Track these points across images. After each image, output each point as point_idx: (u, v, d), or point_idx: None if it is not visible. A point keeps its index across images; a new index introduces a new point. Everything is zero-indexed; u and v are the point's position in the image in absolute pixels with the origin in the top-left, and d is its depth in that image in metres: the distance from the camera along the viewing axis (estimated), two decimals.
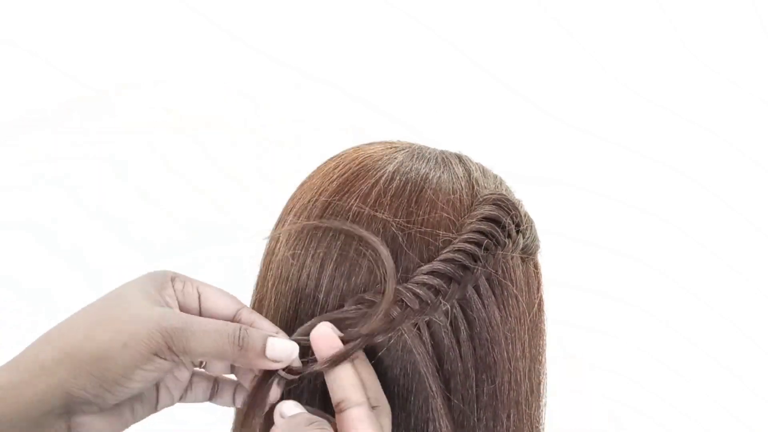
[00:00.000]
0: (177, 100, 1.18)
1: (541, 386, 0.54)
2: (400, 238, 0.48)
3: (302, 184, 0.55)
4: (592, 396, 1.18)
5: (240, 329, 0.44)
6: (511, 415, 0.49)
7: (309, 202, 0.51)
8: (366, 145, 0.56)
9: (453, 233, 0.48)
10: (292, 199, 0.55)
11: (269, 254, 0.53)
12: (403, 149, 0.54)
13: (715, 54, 1.22)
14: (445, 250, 0.47)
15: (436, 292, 0.46)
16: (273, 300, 0.51)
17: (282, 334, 0.47)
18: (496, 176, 0.55)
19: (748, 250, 1.22)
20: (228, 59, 1.19)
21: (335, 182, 0.51)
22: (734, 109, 1.22)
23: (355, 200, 0.49)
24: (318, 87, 1.20)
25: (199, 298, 0.48)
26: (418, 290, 0.46)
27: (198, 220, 1.14)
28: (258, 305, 0.53)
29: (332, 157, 0.55)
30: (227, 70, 1.19)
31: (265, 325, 0.47)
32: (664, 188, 1.22)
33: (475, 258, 0.47)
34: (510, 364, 0.48)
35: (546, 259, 0.56)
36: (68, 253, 1.14)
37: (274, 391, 0.46)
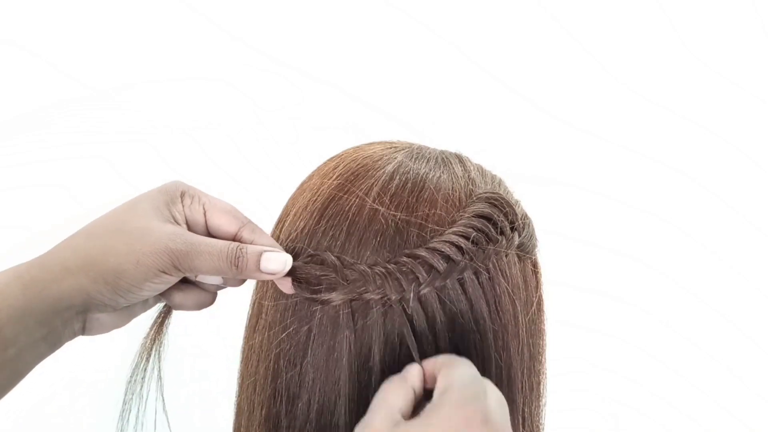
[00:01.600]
0: (177, 100, 1.18)
1: (541, 386, 0.54)
2: (398, 236, 0.48)
3: (302, 184, 0.55)
4: (592, 396, 1.18)
5: (237, 249, 0.49)
6: None
7: (309, 202, 0.51)
8: (366, 145, 0.56)
9: (446, 228, 0.48)
10: (292, 198, 0.55)
11: None
12: (403, 149, 0.54)
13: (715, 54, 1.22)
14: (432, 240, 0.47)
15: (415, 278, 0.46)
16: None
17: (279, 248, 0.50)
18: (494, 176, 0.55)
19: (748, 250, 1.22)
20: (228, 59, 1.19)
21: (335, 182, 0.51)
22: (734, 109, 1.22)
23: (355, 199, 0.49)
24: (318, 87, 1.20)
25: (205, 214, 0.52)
26: (395, 272, 0.46)
27: None
28: (257, 305, 0.54)
29: (332, 158, 0.56)
30: (227, 70, 1.19)
31: (265, 241, 0.51)
32: (664, 188, 1.22)
33: (461, 251, 0.47)
34: (501, 359, 0.48)
35: (546, 259, 0.56)
36: None
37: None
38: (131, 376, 0.54)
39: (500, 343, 0.48)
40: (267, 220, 0.57)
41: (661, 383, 1.19)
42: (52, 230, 1.09)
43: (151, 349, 0.54)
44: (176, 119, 1.18)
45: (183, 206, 0.52)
